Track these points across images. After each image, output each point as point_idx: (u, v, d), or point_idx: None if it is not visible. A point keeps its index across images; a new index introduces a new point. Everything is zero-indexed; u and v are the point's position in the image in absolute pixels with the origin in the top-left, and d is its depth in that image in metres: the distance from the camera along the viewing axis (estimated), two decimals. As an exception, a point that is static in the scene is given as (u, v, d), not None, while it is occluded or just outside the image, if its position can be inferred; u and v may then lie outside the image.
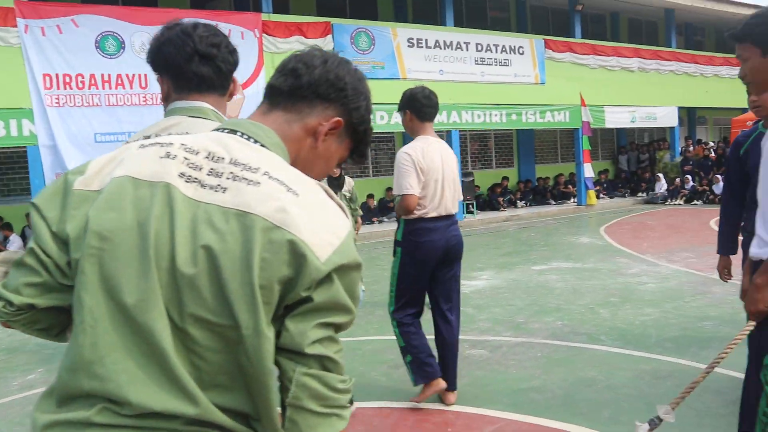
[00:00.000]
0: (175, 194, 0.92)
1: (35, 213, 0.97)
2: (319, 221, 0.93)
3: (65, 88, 9.71)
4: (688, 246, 8.83)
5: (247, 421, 0.95)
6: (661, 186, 17.17)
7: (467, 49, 14.01)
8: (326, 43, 12.23)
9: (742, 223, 3.21)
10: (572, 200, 16.93)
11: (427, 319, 3.76)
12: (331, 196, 1.01)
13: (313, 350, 0.90)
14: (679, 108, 18.44)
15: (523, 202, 16.68)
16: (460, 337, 4.84)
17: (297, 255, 0.89)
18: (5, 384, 4.46)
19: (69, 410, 0.91)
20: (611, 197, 18.00)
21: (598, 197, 16.94)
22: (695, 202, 16.15)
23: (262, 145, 1.02)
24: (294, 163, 1.07)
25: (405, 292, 3.55)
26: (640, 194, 18.12)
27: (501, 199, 16.10)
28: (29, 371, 4.71)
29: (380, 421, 3.43)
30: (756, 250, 2.15)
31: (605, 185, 18.45)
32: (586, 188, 16.13)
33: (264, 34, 11.68)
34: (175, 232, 0.90)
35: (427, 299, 3.69)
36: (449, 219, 3.55)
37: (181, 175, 0.95)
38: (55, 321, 1.03)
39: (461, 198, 3.79)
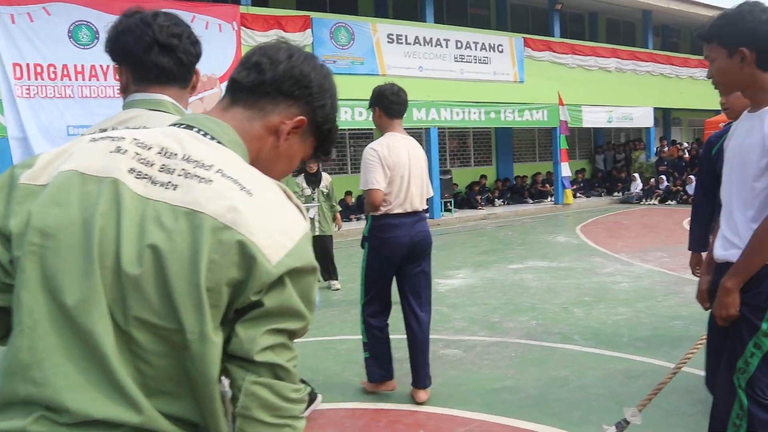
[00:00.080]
0: (123, 190, 0.88)
1: None
2: (272, 222, 0.89)
3: (36, 79, 9.47)
4: (662, 246, 8.94)
5: (195, 430, 0.90)
6: (637, 186, 17.39)
7: (447, 46, 14.01)
8: (305, 38, 12.13)
9: (714, 223, 3.25)
10: (549, 199, 17.06)
11: (400, 318, 3.75)
12: (289, 197, 0.97)
13: (263, 358, 0.86)
14: (655, 109, 18.68)
15: (501, 200, 16.76)
16: (435, 336, 4.85)
17: (247, 257, 0.85)
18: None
19: (4, 418, 0.86)
20: (588, 196, 18.19)
21: (575, 196, 17.10)
22: (669, 202, 16.40)
23: (219, 142, 0.97)
24: (254, 161, 1.03)
25: (372, 286, 3.61)
26: (616, 194, 18.34)
27: (479, 197, 16.16)
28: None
29: (352, 422, 3.40)
30: (722, 252, 2.15)
31: (582, 184, 18.63)
32: (563, 187, 16.27)
33: (242, 27, 11.53)
34: (121, 230, 0.86)
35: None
36: (415, 215, 3.57)
37: (131, 170, 0.90)
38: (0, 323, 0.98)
39: (431, 195, 3.81)
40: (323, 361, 4.44)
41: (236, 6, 11.56)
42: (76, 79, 9.79)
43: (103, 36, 1.54)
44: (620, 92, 17.35)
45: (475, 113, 14.39)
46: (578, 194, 17.83)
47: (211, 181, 0.89)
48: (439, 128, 14.43)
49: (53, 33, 9.50)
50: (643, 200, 16.89)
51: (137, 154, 0.92)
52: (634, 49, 18.51)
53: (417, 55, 13.51)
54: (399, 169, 3.48)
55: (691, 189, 15.13)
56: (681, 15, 19.45)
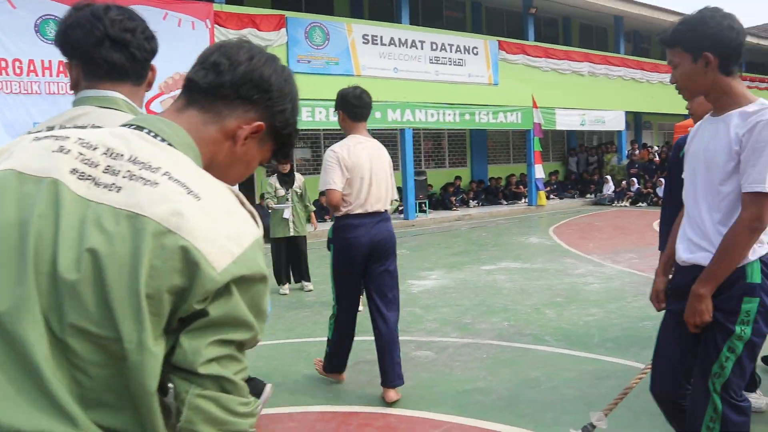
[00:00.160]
0: (63, 192, 0.83)
1: None
2: (219, 228, 0.84)
3: (1, 74, 9.22)
4: (633, 247, 9.06)
5: None
6: (609, 188, 17.64)
7: (422, 48, 14.02)
8: (280, 37, 12.03)
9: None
10: (523, 200, 17.20)
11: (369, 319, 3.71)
12: (242, 202, 0.93)
13: (208, 370, 0.82)
14: (626, 112, 18.97)
15: (476, 201, 16.85)
16: (407, 338, 4.83)
17: (190, 263, 0.80)
18: None
19: None
20: (561, 198, 18.38)
21: (548, 198, 17.27)
22: (640, 203, 16.66)
23: (170, 145, 0.93)
24: (209, 166, 0.99)
25: (340, 286, 3.72)
26: (588, 195, 18.57)
27: (453, 198, 16.21)
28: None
29: (322, 425, 3.35)
30: (688, 255, 2.15)
31: (555, 186, 18.83)
32: (537, 189, 16.41)
33: (216, 25, 11.38)
34: (59, 233, 0.81)
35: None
36: (376, 216, 3.63)
37: (73, 171, 0.86)
38: None
39: (395, 197, 3.88)
40: (294, 364, 4.38)
41: (210, 4, 11.40)
42: (43, 75, 9.55)
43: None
44: (593, 96, 17.59)
45: (449, 115, 14.43)
46: (551, 196, 18.02)
47: (156, 183, 0.85)
48: (413, 129, 14.45)
49: (19, 27, 9.25)
50: (615, 202, 17.13)
51: (81, 154, 0.88)
52: (607, 53, 18.78)
53: (392, 56, 13.50)
54: (358, 171, 3.55)
55: (661, 191, 15.39)
56: (651, 21, 19.79)
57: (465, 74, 14.73)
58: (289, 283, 7.03)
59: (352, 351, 4.40)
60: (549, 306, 5.77)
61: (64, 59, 1.44)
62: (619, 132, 19.30)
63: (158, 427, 0.83)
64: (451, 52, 14.53)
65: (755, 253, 2.03)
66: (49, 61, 9.55)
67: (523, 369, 4.05)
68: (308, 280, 7.03)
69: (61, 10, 9.86)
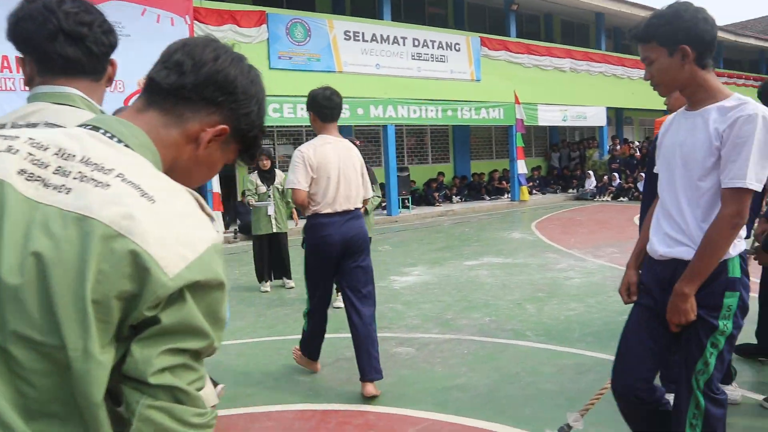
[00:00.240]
0: (9, 193, 0.80)
1: None
2: (173, 232, 0.81)
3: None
4: (613, 241, 9.12)
5: None
6: (591, 183, 17.77)
7: (404, 44, 14.00)
8: (261, 33, 11.93)
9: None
10: (506, 196, 17.28)
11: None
12: (202, 206, 0.89)
13: (159, 380, 0.78)
14: (608, 108, 19.11)
15: (459, 197, 16.88)
16: (388, 334, 4.82)
17: (140, 268, 0.77)
18: None
19: None
20: (543, 193, 18.49)
21: (530, 193, 17.37)
22: (621, 198, 16.81)
23: (127, 146, 0.89)
24: (171, 169, 0.96)
25: (313, 283, 3.81)
26: (570, 191, 18.71)
27: (436, 194, 16.24)
28: None
29: (301, 424, 3.32)
30: (665, 249, 2.13)
31: (538, 181, 18.93)
32: (520, 184, 16.49)
33: (195, 22, 11.25)
34: (2, 235, 0.77)
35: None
36: (346, 215, 3.68)
37: (21, 171, 0.82)
38: None
39: (369, 195, 3.93)
40: (274, 362, 4.34)
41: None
42: (18, 72, 9.35)
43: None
44: (574, 92, 17.69)
45: (432, 111, 14.43)
46: (534, 191, 18.12)
47: (108, 185, 0.81)
48: (396, 126, 14.43)
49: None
50: (597, 197, 17.27)
51: (30, 154, 0.84)
52: (588, 50, 18.90)
53: (374, 53, 13.46)
54: (324, 170, 3.61)
55: (642, 186, 15.52)
56: (631, 18, 19.93)
57: (447, 70, 14.74)
58: (271, 280, 6.98)
59: (332, 348, 4.41)
60: (530, 301, 5.79)
61: (18, 54, 1.38)
62: (601, 127, 19.44)
63: None
64: (433, 48, 14.52)
65: (735, 248, 2.03)
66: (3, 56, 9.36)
67: (504, 364, 4.05)
68: (289, 277, 6.99)
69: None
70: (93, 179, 0.82)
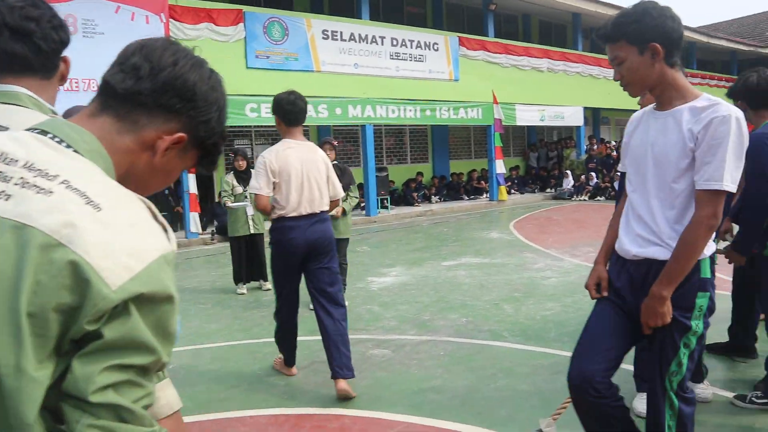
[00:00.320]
0: None
1: None
2: (118, 241, 0.77)
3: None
4: (590, 240, 9.20)
5: None
6: (569, 182, 17.93)
7: (382, 44, 13.97)
8: (237, 32, 11.81)
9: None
10: (485, 196, 17.34)
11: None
12: (154, 215, 0.85)
13: (101, 398, 0.74)
14: (585, 108, 19.29)
15: (438, 197, 16.91)
16: (365, 336, 4.79)
17: (80, 279, 0.73)
18: None
19: None
20: (522, 193, 18.61)
21: (509, 193, 17.46)
22: (599, 197, 16.98)
23: (76, 151, 0.85)
24: (125, 176, 0.92)
25: (280, 284, 3.87)
26: (548, 190, 18.85)
27: (416, 194, 16.24)
28: None
29: (275, 428, 3.27)
30: (637, 249, 2.12)
31: (516, 181, 19.04)
32: (498, 184, 16.57)
33: (171, 20, 11.10)
34: None
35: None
36: (311, 218, 3.73)
37: None
38: None
39: (338, 196, 3.96)
40: (248, 365, 4.29)
41: (164, -3, 11.10)
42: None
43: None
44: (552, 92, 17.82)
45: (410, 111, 14.42)
46: (512, 191, 18.22)
47: (51, 192, 0.77)
48: (374, 125, 14.40)
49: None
50: (574, 196, 17.43)
51: None
52: (565, 50, 19.05)
53: (352, 52, 13.41)
54: (287, 175, 3.67)
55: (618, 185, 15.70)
56: (607, 19, 20.15)
57: (426, 70, 14.75)
58: (247, 282, 6.90)
59: (307, 351, 4.36)
60: (507, 301, 5.80)
61: None
62: (578, 127, 19.62)
63: None
64: (411, 47, 14.52)
65: (709, 249, 2.04)
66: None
67: (480, 366, 4.05)
68: (266, 279, 6.91)
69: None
70: (35, 185, 0.78)
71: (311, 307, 5.38)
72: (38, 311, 0.72)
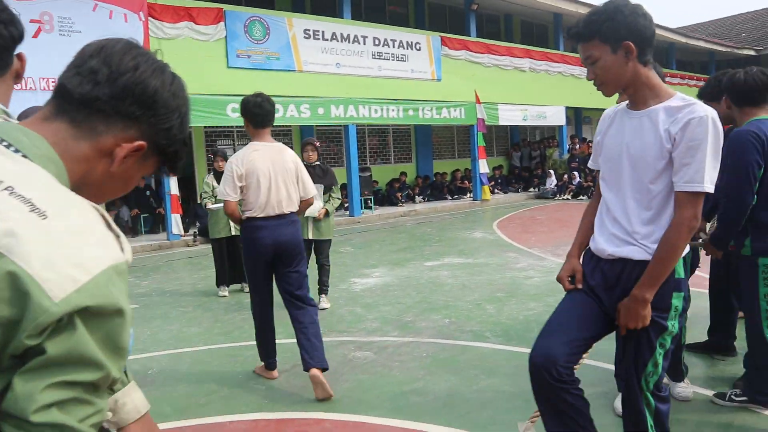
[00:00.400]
0: None
1: None
2: (64, 251, 0.72)
3: None
4: (573, 240, 9.21)
5: None
6: (552, 182, 18.03)
7: (365, 43, 13.93)
8: (218, 31, 11.71)
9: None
10: (468, 195, 17.38)
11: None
12: (108, 224, 0.81)
13: (43, 417, 0.69)
14: (567, 108, 19.41)
15: (421, 197, 16.91)
16: (347, 338, 4.76)
17: (19, 291, 0.68)
18: None
19: None
20: (505, 192, 18.67)
21: (492, 192, 17.51)
22: (581, 197, 17.09)
23: (25, 156, 0.81)
24: (80, 183, 0.88)
25: (253, 283, 3.94)
26: (531, 189, 18.93)
27: (399, 194, 16.22)
28: None
29: (255, 434, 3.23)
30: (613, 249, 2.11)
31: (500, 180, 19.10)
32: (481, 183, 16.61)
33: (150, 18, 10.97)
34: None
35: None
36: (281, 219, 3.80)
37: None
38: None
39: (309, 195, 3.99)
40: (229, 369, 4.23)
41: (143, -5, 10.95)
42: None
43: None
44: (534, 91, 17.91)
45: (393, 110, 14.40)
46: (496, 190, 18.28)
47: None
48: (357, 125, 14.36)
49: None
50: (557, 195, 17.53)
51: None
52: (547, 50, 19.16)
53: (334, 52, 13.36)
54: (254, 177, 3.73)
55: (599, 185, 15.81)
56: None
57: (408, 70, 14.74)
58: (229, 285, 6.82)
59: (289, 354, 4.31)
60: (490, 301, 5.80)
61: None
62: (560, 127, 19.74)
63: None
64: (393, 47, 14.50)
65: (684, 250, 2.04)
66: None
67: (462, 367, 4.03)
68: (246, 281, 6.84)
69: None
70: None
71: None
72: None
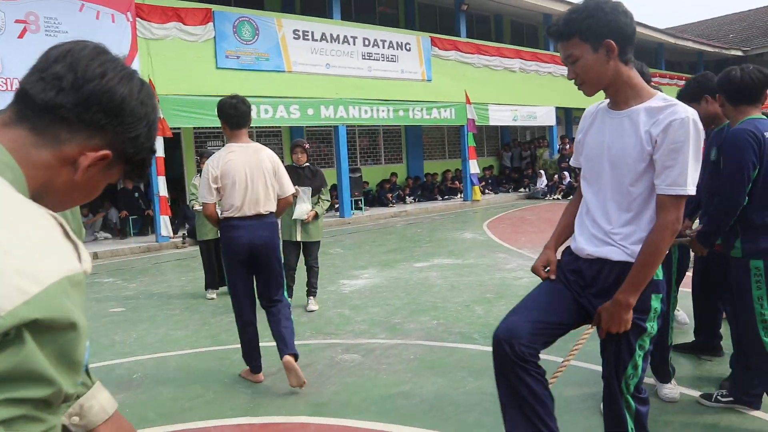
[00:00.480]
0: None
1: None
2: (12, 261, 0.69)
3: None
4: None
5: None
6: (542, 182, 18.07)
7: (354, 44, 13.90)
8: (207, 31, 11.64)
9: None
10: (459, 196, 17.38)
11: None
12: (65, 233, 0.77)
13: None
14: (557, 108, 19.45)
15: (412, 197, 16.89)
16: (334, 341, 4.74)
17: None
18: None
19: None
20: (496, 193, 18.70)
21: (483, 193, 17.53)
22: (572, 197, 17.09)
23: None
24: (41, 191, 0.84)
25: (232, 283, 3.96)
26: (522, 190, 18.96)
27: (390, 195, 16.20)
28: None
29: (239, 439, 3.19)
30: (593, 249, 2.09)
31: (490, 181, 19.12)
32: (472, 184, 16.62)
33: (138, 19, 10.89)
34: None
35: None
36: (258, 219, 3.84)
37: None
38: None
39: (286, 193, 4.01)
40: (215, 373, 4.19)
41: (130, -5, 10.86)
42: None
43: None
44: (524, 92, 17.94)
45: (383, 111, 14.38)
46: (487, 190, 18.30)
47: None
48: (347, 126, 14.32)
49: None
50: (548, 196, 17.57)
51: None
52: (537, 50, 19.19)
53: (324, 52, 13.32)
54: (229, 178, 3.78)
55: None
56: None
57: (398, 70, 14.72)
58: (217, 288, 6.77)
59: (275, 357, 4.26)
60: (478, 302, 5.78)
61: None
62: (551, 127, 19.79)
63: None
64: (383, 48, 14.48)
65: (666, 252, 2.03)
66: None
67: (449, 370, 4.01)
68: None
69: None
70: None
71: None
72: None
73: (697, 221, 3.69)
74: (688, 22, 38.00)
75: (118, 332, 5.42)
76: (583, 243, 2.13)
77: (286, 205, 4.07)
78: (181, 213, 12.28)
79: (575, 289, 2.15)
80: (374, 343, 4.68)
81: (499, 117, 17.48)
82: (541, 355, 4.14)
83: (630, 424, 2.12)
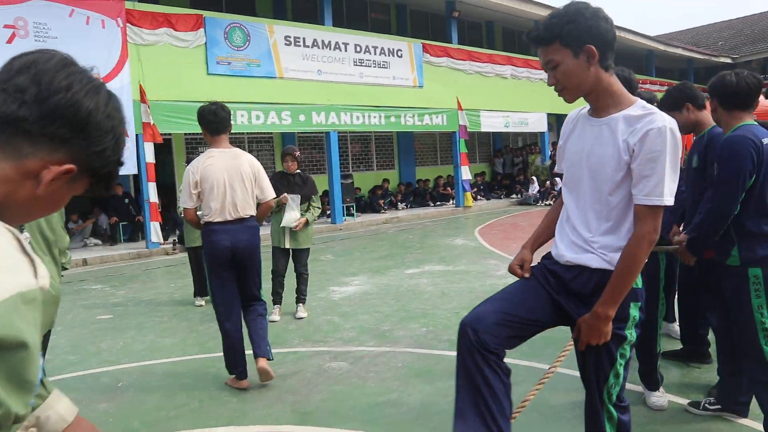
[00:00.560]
0: None
1: None
2: None
3: None
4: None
5: None
6: (534, 188, 18.12)
7: (346, 50, 13.91)
8: (198, 38, 11.62)
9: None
10: (451, 202, 17.40)
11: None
12: (21, 247, 0.75)
13: None
14: (548, 114, 19.53)
15: (404, 204, 16.89)
16: (322, 348, 4.71)
17: None
18: None
19: None
20: (488, 199, 18.73)
21: (475, 199, 17.55)
22: (561, 203, 17.18)
23: None
24: (2, 205, 0.82)
25: (214, 287, 3.99)
26: (514, 196, 19.00)
27: (382, 201, 16.19)
28: None
29: (224, 449, 3.16)
30: (572, 255, 2.08)
31: (482, 187, 19.15)
32: (464, 190, 16.63)
33: (129, 24, 10.85)
34: None
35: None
36: (239, 223, 3.89)
37: None
38: None
39: (266, 198, 4.05)
40: (201, 381, 4.15)
41: (121, 1, 10.84)
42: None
43: None
44: (516, 98, 18.01)
45: (375, 117, 14.38)
46: (479, 197, 18.32)
47: None
48: (339, 132, 14.31)
49: None
50: (540, 202, 17.60)
51: None
52: (528, 57, 19.27)
53: (315, 58, 13.32)
54: (209, 183, 3.83)
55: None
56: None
57: (390, 76, 14.74)
58: (206, 295, 6.72)
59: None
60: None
61: None
62: (542, 133, 19.85)
63: None
64: (375, 54, 14.50)
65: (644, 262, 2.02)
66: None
67: (437, 378, 3.99)
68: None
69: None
70: None
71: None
72: None
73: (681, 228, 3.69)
74: (678, 29, 38.34)
75: (105, 340, 5.37)
76: (564, 250, 2.11)
77: (267, 209, 4.12)
78: (171, 219, 12.22)
79: (552, 289, 2.14)
80: (363, 350, 4.65)
81: (491, 123, 17.52)
82: (527, 362, 4.13)
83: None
